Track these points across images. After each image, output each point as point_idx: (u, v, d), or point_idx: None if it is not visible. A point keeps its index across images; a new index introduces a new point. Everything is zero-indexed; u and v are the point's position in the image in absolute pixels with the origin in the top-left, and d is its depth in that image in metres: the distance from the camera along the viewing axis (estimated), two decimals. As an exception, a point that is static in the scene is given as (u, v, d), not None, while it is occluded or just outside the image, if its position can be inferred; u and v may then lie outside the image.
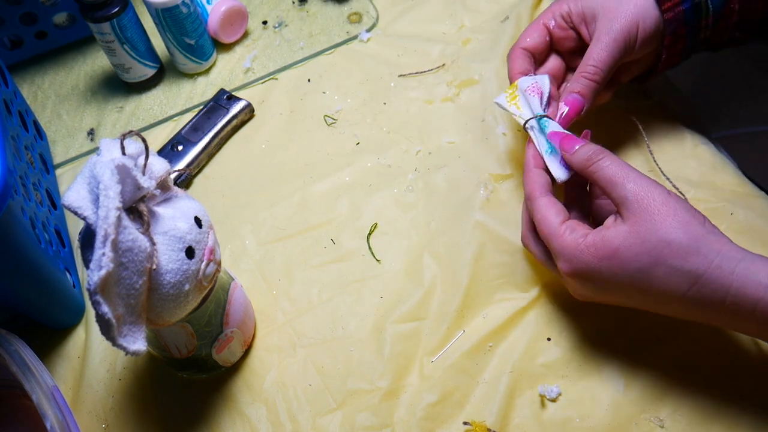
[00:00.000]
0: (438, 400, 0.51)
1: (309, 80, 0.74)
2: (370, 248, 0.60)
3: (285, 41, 0.78)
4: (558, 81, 0.59)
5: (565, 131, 0.51)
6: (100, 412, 0.53)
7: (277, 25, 0.79)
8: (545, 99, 0.53)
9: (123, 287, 0.37)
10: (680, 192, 0.58)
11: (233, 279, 0.52)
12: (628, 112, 0.63)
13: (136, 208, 0.39)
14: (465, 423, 0.50)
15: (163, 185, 0.42)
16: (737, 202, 0.58)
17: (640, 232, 0.42)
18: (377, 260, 0.59)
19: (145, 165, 0.41)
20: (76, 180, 0.38)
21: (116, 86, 0.75)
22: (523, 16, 0.74)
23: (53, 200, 0.63)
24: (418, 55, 0.74)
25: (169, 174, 0.43)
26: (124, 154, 0.40)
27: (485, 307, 0.55)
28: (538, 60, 0.59)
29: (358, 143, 0.67)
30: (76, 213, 0.37)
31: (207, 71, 0.76)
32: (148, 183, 0.39)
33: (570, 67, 0.60)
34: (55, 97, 0.76)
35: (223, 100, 0.71)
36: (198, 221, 0.43)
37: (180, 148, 0.67)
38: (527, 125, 0.53)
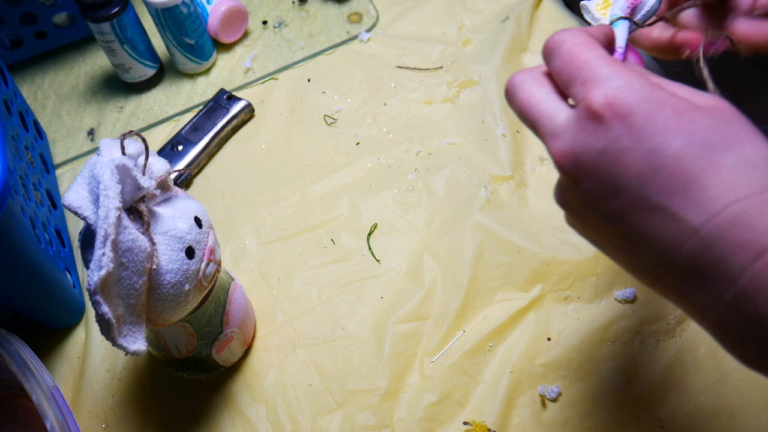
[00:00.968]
0: (438, 400, 0.51)
1: (309, 80, 0.74)
2: (370, 248, 0.60)
3: (285, 41, 0.78)
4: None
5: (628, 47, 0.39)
6: (100, 412, 0.53)
7: (277, 25, 0.80)
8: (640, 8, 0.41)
9: (123, 287, 0.37)
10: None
11: (233, 279, 0.52)
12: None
13: (136, 208, 0.39)
14: (465, 423, 0.50)
15: (163, 185, 0.42)
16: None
17: (724, 112, 0.29)
18: (377, 260, 0.59)
19: (145, 165, 0.41)
20: (76, 180, 0.38)
21: (116, 86, 0.75)
22: (523, 16, 0.74)
23: (53, 200, 0.63)
24: (418, 56, 0.74)
25: (169, 174, 0.43)
26: (124, 154, 0.40)
27: (485, 307, 0.55)
28: None
29: (358, 143, 0.67)
30: (76, 213, 0.37)
31: (207, 71, 0.76)
32: (148, 183, 0.39)
33: None
34: (55, 97, 0.76)
35: (223, 100, 0.71)
36: (198, 221, 0.43)
37: (180, 148, 0.67)
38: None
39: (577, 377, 0.51)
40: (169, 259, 0.40)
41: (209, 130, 0.68)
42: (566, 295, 0.55)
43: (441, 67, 0.72)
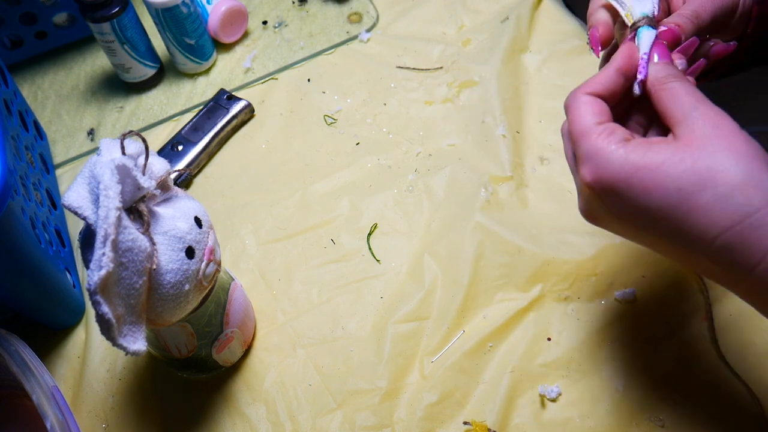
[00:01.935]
0: (438, 400, 0.51)
1: (309, 80, 0.74)
2: (370, 248, 0.60)
3: (285, 41, 0.78)
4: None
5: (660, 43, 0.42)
6: (100, 412, 0.53)
7: (277, 25, 0.80)
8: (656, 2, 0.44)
9: (123, 287, 0.37)
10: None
11: (233, 279, 0.52)
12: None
13: (136, 208, 0.39)
14: (465, 423, 0.50)
15: (163, 185, 0.42)
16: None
17: (694, 151, 0.34)
18: (377, 260, 0.59)
19: (145, 165, 0.41)
20: (76, 180, 0.38)
21: (116, 86, 0.75)
22: (523, 16, 0.74)
23: (53, 200, 0.63)
24: (418, 56, 0.74)
25: (169, 174, 0.43)
26: (124, 154, 0.40)
27: (485, 307, 0.55)
28: None
29: (358, 143, 0.67)
30: (76, 213, 0.37)
31: (207, 71, 0.76)
32: (148, 183, 0.39)
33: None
34: (55, 97, 0.76)
35: (223, 100, 0.71)
36: (198, 221, 0.43)
37: (180, 148, 0.67)
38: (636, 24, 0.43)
39: (577, 377, 0.51)
40: (169, 259, 0.40)
41: (209, 130, 0.68)
42: (566, 295, 0.55)
43: (441, 68, 0.72)
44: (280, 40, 0.78)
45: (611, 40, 0.45)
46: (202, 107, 0.71)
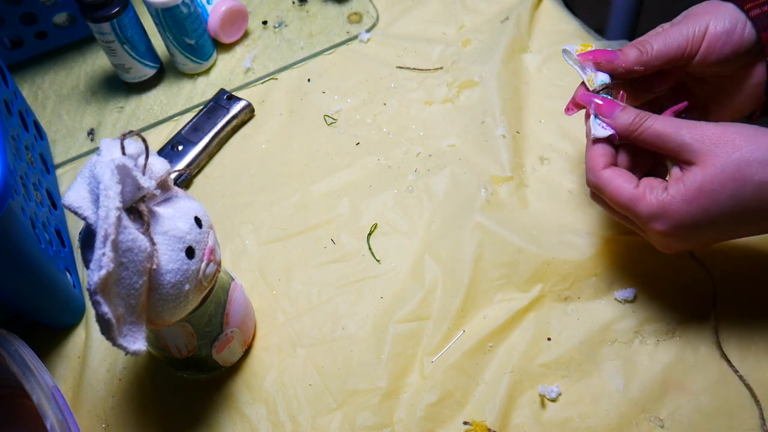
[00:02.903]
0: (438, 400, 0.51)
1: (309, 80, 0.74)
2: (370, 249, 0.60)
3: (285, 41, 0.78)
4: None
5: (604, 97, 0.49)
6: (100, 412, 0.53)
7: (277, 25, 0.80)
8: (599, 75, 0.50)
9: (123, 287, 0.37)
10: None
11: (233, 279, 0.52)
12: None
13: (136, 208, 0.39)
14: (465, 423, 0.50)
15: (163, 185, 0.42)
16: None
17: (715, 164, 0.42)
18: (377, 260, 0.59)
19: (145, 165, 0.41)
20: (77, 180, 0.38)
21: (116, 86, 0.75)
22: (523, 16, 0.74)
23: (53, 200, 0.63)
24: (418, 56, 0.74)
25: (169, 174, 0.43)
26: (124, 154, 0.40)
27: (485, 307, 0.55)
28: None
29: (358, 143, 0.67)
30: (76, 213, 0.37)
31: (207, 71, 0.76)
32: (148, 183, 0.39)
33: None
34: (56, 97, 0.76)
35: (223, 100, 0.71)
36: (198, 221, 0.43)
37: (180, 148, 0.67)
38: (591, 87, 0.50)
39: (577, 377, 0.51)
40: (169, 259, 0.40)
41: (209, 130, 0.68)
42: (566, 295, 0.55)
43: (441, 68, 0.72)
44: (280, 40, 0.78)
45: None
46: (202, 107, 0.71)
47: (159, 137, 0.71)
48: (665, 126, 0.44)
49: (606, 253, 0.56)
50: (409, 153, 0.66)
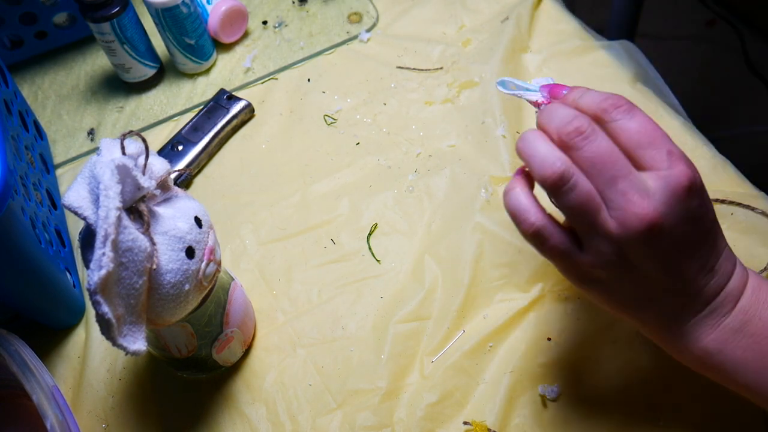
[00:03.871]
0: (438, 400, 0.51)
1: (309, 80, 0.74)
2: (370, 249, 0.60)
3: (285, 41, 0.78)
4: None
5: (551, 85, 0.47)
6: (100, 412, 0.53)
7: (277, 25, 0.80)
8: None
9: (123, 287, 0.37)
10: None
11: (233, 279, 0.52)
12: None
13: (136, 208, 0.39)
14: (465, 423, 0.50)
15: (163, 185, 0.42)
16: (737, 202, 0.58)
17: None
18: (377, 260, 0.59)
19: (145, 165, 0.41)
20: (77, 180, 0.38)
21: (116, 86, 0.75)
22: (523, 16, 0.74)
23: (53, 200, 0.63)
24: (418, 56, 0.74)
25: (169, 174, 0.43)
26: (124, 154, 0.40)
27: (486, 307, 0.55)
28: None
29: (358, 143, 0.67)
30: (76, 213, 0.37)
31: (207, 71, 0.76)
32: (148, 183, 0.39)
33: None
34: (55, 97, 0.76)
35: (223, 100, 0.71)
36: (198, 221, 0.43)
37: (180, 148, 0.67)
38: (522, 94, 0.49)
39: (577, 377, 0.51)
40: (169, 259, 0.40)
41: (209, 130, 0.68)
42: (566, 295, 0.55)
43: (441, 68, 0.72)
44: (280, 40, 0.78)
45: None
46: (202, 107, 0.71)
47: (159, 137, 0.71)
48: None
49: (606, 253, 0.56)
50: (409, 153, 0.66)
